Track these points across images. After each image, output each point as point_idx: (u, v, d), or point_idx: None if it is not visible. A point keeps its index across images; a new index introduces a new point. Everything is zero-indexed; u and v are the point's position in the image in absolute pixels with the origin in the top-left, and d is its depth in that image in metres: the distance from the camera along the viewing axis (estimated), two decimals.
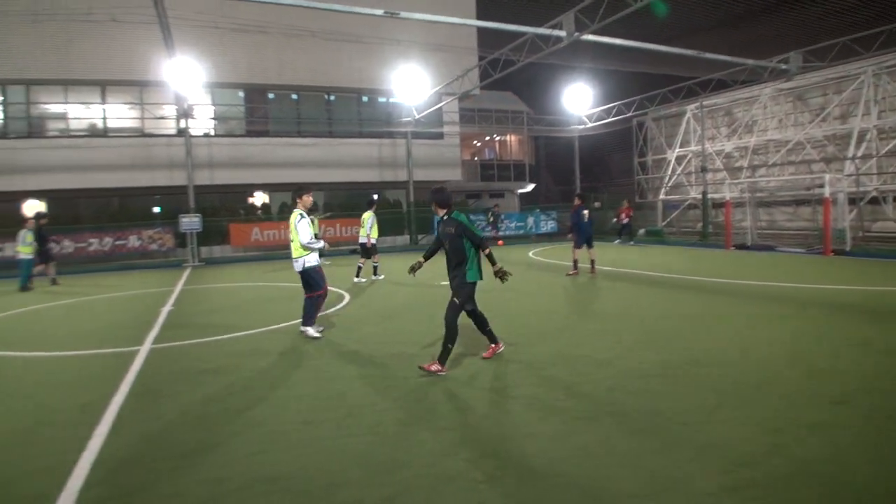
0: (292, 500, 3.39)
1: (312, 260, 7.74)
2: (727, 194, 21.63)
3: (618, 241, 23.92)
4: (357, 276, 14.00)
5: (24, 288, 14.44)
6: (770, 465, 3.60)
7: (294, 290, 12.99)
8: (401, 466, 3.74)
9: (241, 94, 26.35)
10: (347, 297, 11.37)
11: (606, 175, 43.43)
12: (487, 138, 40.39)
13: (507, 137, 40.30)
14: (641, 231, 27.24)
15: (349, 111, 27.85)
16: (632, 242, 23.73)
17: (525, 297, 10.64)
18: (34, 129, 24.11)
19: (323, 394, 5.33)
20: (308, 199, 7.84)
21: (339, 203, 27.20)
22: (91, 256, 21.67)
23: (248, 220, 24.77)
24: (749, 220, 21.37)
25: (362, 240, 14.06)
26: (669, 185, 28.58)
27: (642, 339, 7.05)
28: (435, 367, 5.68)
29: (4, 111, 23.78)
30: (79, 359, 7.23)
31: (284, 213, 26.06)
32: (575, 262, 13.90)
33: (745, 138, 25.35)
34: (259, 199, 26.86)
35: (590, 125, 29.55)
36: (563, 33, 15.20)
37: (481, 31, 26.25)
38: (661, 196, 28.91)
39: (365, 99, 28.01)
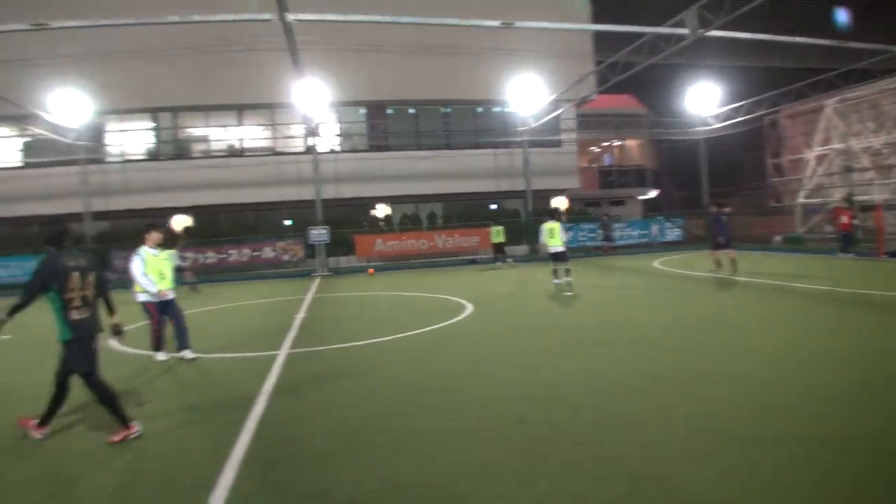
0: None
1: (142, 296, 7.85)
2: (877, 196, 19.71)
3: (846, 254, 17.96)
4: (556, 278, 14.05)
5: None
6: None
7: (421, 299, 13.29)
8: (530, 482, 3.68)
9: (363, 111, 27.48)
10: (470, 308, 11.45)
11: (736, 178, 40.97)
12: (606, 144, 39.42)
13: (627, 142, 39.14)
14: (778, 238, 25.47)
15: (465, 122, 28.24)
16: (851, 254, 17.91)
17: (669, 309, 10.23)
18: (180, 151, 26.46)
19: (451, 403, 5.39)
20: (155, 236, 7.89)
21: (456, 213, 27.57)
22: (230, 266, 23.34)
23: (371, 231, 25.68)
24: None
25: (558, 248, 13.72)
26: (809, 187, 26.50)
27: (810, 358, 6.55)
28: None
29: (156, 136, 26.27)
30: (225, 361, 7.79)
31: (406, 224, 26.80)
32: (717, 261, 14.35)
33: (895, 133, 23.04)
34: (381, 210, 27.77)
35: (716, 126, 28.01)
36: (685, 31, 14.60)
37: (597, 35, 25.75)
38: (800, 199, 26.85)
39: (480, 110, 28.29)
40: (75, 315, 4.72)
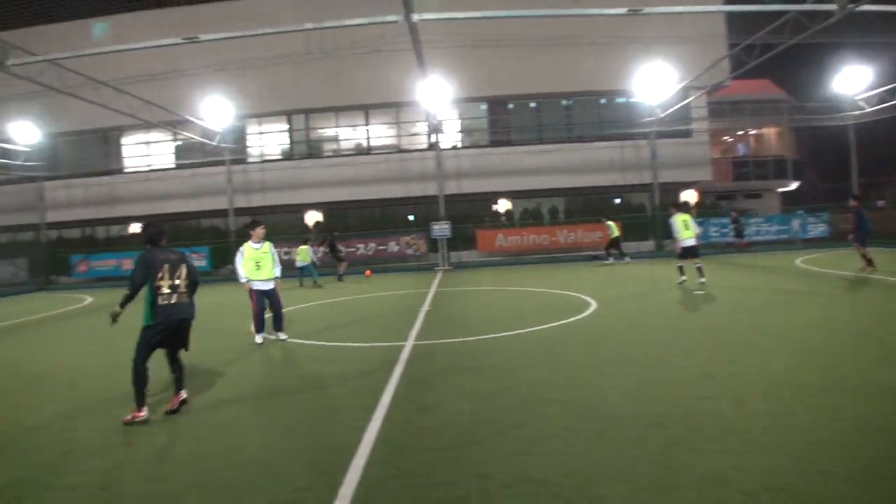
0: None
1: (252, 285, 8.74)
2: None
3: None
4: (682, 275, 13.45)
5: (315, 284, 18.37)
6: None
7: (543, 295, 13.21)
8: (669, 488, 3.52)
9: (484, 106, 27.61)
10: (594, 305, 11.22)
11: (891, 168, 37.10)
12: (740, 133, 37.04)
13: (764, 131, 36.55)
14: None
15: (588, 115, 27.59)
16: None
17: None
18: (312, 150, 27.95)
19: (581, 401, 5.28)
20: (259, 231, 8.79)
21: (578, 208, 27.06)
22: (358, 259, 24.32)
23: (492, 226, 25.80)
24: None
25: (690, 242, 13.01)
26: None
27: None
28: None
29: (290, 137, 27.92)
30: (356, 350, 8.14)
31: (527, 219, 26.70)
32: (865, 258, 13.44)
33: None
34: (502, 206, 27.84)
35: (868, 110, 25.44)
36: (833, 6, 13.37)
37: (731, 16, 24.21)
38: None
39: (604, 101, 27.51)
40: (161, 301, 5.35)
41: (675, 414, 4.79)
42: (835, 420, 4.42)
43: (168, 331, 5.42)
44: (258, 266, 8.68)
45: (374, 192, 26.57)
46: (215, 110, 22.64)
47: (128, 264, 24.52)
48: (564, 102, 27.62)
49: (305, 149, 28.02)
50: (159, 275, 5.37)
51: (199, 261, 24.11)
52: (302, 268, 18.59)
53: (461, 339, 8.38)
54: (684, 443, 4.19)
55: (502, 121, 27.62)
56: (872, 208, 27.04)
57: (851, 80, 23.96)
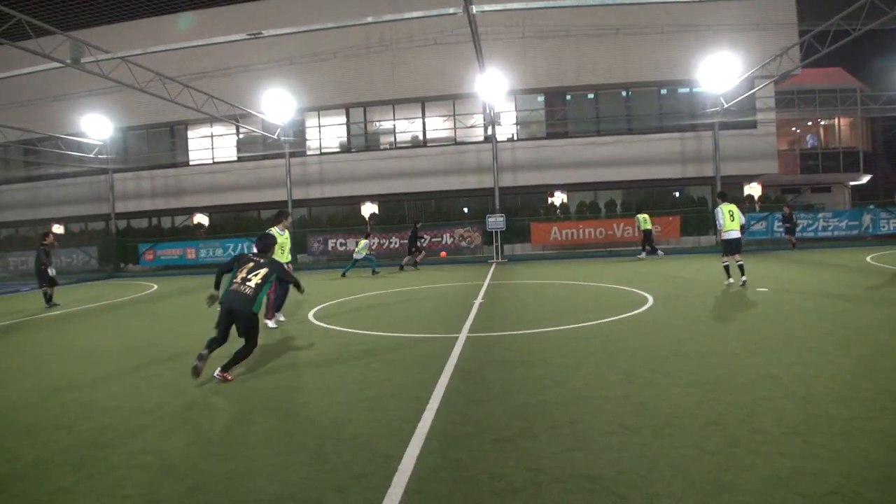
0: (612, 501, 3.34)
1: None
2: None
3: None
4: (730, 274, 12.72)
5: (374, 272, 19.28)
6: None
7: (598, 289, 13.04)
8: (727, 489, 3.43)
9: (541, 98, 27.33)
10: (651, 300, 11.01)
11: None
12: (810, 123, 35.51)
13: (835, 121, 34.94)
14: None
15: (648, 106, 26.99)
16: None
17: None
18: (370, 143, 28.28)
19: (636, 398, 5.18)
20: (286, 221, 9.92)
21: (638, 201, 26.52)
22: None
23: (547, 219, 25.58)
24: None
25: (734, 234, 12.29)
26: None
27: None
28: None
29: (347, 130, 28.33)
30: (411, 340, 8.23)
31: (584, 212, 26.36)
32: None
33: None
34: (558, 198, 27.55)
35: None
36: None
37: (802, 2, 23.23)
38: None
39: (664, 92, 26.85)
40: (230, 286, 6.40)
41: (736, 413, 4.66)
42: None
43: (223, 313, 6.32)
44: (282, 250, 9.58)
45: (429, 184, 26.74)
46: (276, 104, 23.18)
47: (191, 253, 25.47)
48: (624, 93, 27.08)
49: (363, 142, 28.39)
50: (239, 269, 6.54)
51: None
52: (356, 260, 18.91)
53: (515, 332, 8.35)
54: (746, 443, 4.07)
55: (559, 112, 27.29)
56: None
57: None
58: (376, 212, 27.92)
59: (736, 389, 5.28)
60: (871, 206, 24.94)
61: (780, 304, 10.06)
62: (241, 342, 6.43)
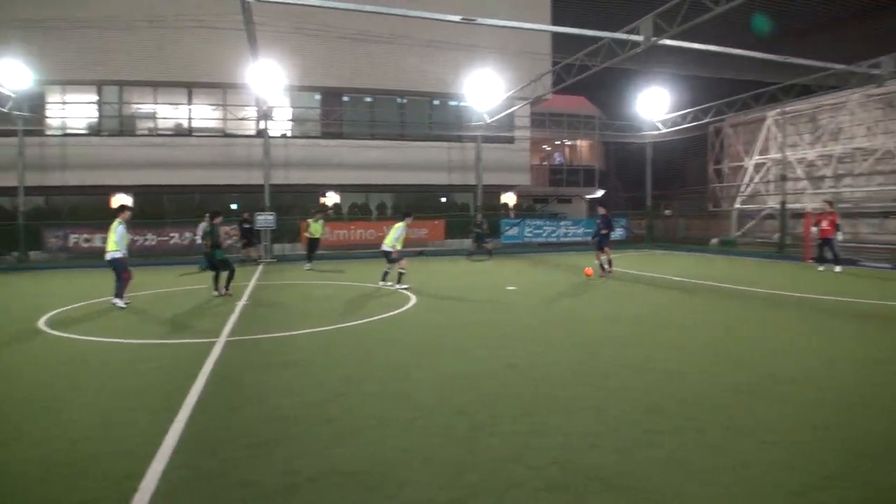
0: (363, 494, 3.48)
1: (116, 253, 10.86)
2: (808, 204, 20.68)
3: (823, 263, 16.51)
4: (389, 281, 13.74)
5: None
6: (844, 489, 3.47)
7: (364, 289, 13.28)
8: (469, 469, 3.79)
9: (318, 96, 27.12)
10: (414, 299, 11.52)
11: (679, 182, 42.29)
12: (558, 143, 40.03)
13: (578, 142, 39.84)
14: (715, 241, 26.53)
15: (420, 114, 28.19)
16: (838, 269, 15.74)
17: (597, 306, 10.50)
18: (125, 127, 25.57)
19: (394, 394, 5.43)
20: (127, 214, 11.20)
21: (406, 205, 27.50)
22: (171, 249, 22.72)
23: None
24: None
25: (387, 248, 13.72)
26: (746, 193, 27.64)
27: (706, 351, 6.86)
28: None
29: (99, 110, 25.27)
30: (160, 347, 7.63)
31: (355, 213, 26.66)
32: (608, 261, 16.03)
33: (829, 146, 24.16)
34: (331, 199, 27.52)
35: (664, 131, 28.73)
36: (640, 38, 14.92)
37: (556, 36, 26.07)
38: (737, 205, 27.96)
39: (436, 102, 28.28)
40: None
41: (478, 402, 5.14)
42: (613, 398, 4.99)
43: None
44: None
45: (194, 178, 24.89)
46: (8, 70, 19.90)
47: None
48: (399, 100, 27.95)
49: (117, 125, 25.55)
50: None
51: None
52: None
53: (278, 334, 8.20)
54: (486, 428, 4.53)
55: (335, 113, 27.29)
56: (660, 216, 30.81)
57: (652, 104, 26.96)
58: (130, 204, 25.24)
59: (483, 380, 5.80)
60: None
61: (526, 301, 11.14)
62: None
